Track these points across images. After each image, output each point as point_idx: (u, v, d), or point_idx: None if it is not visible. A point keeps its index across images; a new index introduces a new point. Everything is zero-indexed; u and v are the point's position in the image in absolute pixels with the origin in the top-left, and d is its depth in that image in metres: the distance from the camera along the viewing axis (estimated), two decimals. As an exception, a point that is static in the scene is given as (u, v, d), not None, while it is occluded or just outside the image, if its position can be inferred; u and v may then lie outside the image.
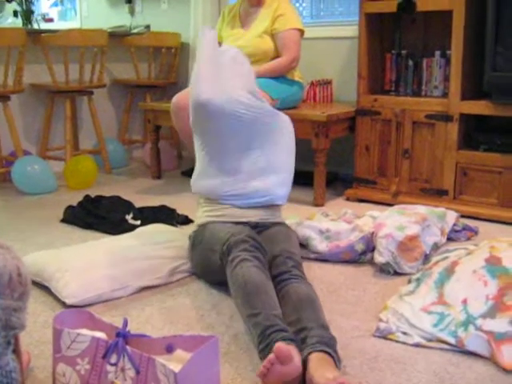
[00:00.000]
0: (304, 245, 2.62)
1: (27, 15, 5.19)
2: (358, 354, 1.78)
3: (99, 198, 3.34)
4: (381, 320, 1.98)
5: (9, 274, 0.86)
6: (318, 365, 1.54)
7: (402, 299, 2.06)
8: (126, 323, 1.30)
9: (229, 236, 2.07)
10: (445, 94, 3.42)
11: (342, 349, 1.81)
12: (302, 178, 3.90)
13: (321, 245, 2.61)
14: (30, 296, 0.92)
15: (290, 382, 1.54)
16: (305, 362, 1.57)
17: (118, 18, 5.30)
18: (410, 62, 3.59)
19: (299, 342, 1.67)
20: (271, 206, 2.42)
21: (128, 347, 1.23)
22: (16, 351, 0.90)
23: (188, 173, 4.21)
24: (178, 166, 4.63)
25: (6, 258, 0.86)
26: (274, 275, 2.02)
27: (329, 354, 1.60)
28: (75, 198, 3.40)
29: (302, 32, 3.56)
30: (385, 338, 1.89)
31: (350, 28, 4.03)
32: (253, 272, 1.90)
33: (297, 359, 1.53)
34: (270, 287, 1.88)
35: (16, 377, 0.86)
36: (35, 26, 5.20)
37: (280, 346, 1.50)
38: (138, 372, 1.20)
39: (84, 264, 2.33)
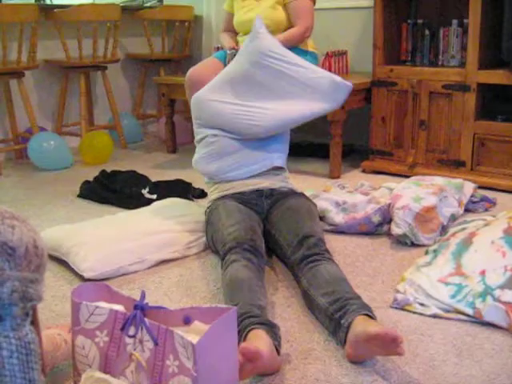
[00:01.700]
0: (320, 217, 2.61)
1: (39, -10, 5.17)
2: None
3: (115, 172, 3.35)
4: (398, 291, 1.98)
5: (25, 246, 0.87)
6: (367, 322, 1.58)
7: (419, 270, 2.06)
8: (143, 296, 1.31)
9: (231, 238, 2.07)
10: (462, 64, 3.37)
11: (359, 320, 1.81)
12: (318, 151, 3.89)
13: (337, 217, 2.60)
14: (46, 268, 0.92)
15: (266, 370, 1.53)
16: (349, 326, 1.60)
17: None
18: (427, 32, 3.54)
19: (336, 311, 1.69)
20: (276, 172, 2.45)
21: (146, 319, 1.24)
22: (34, 323, 0.91)
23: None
24: (192, 139, 4.62)
25: (22, 230, 0.87)
26: (306, 255, 2.01)
27: (371, 317, 1.63)
28: (91, 173, 3.41)
29: (314, 0, 3.51)
30: (402, 309, 1.88)
31: (364, -2, 3.98)
32: (240, 271, 1.89)
33: (265, 350, 1.48)
34: (256, 283, 1.85)
35: (35, 348, 0.87)
36: (47, 1, 5.17)
37: (243, 347, 1.43)
38: (156, 344, 1.21)
39: (101, 238, 2.34)
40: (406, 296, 1.92)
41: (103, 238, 2.34)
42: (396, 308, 1.89)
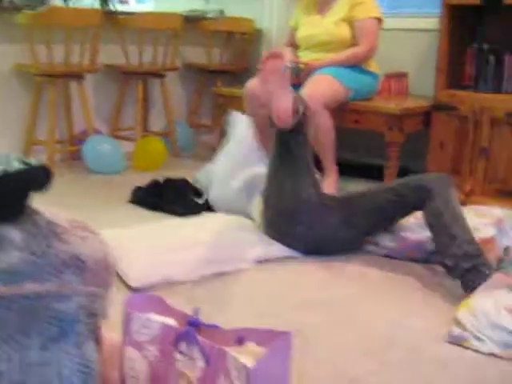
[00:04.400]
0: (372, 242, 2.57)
1: (104, -4, 5.24)
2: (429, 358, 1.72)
3: (168, 180, 3.34)
4: (457, 322, 1.87)
5: (95, 259, 0.85)
6: None
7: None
8: (197, 312, 1.28)
9: None
10: (527, 93, 3.28)
11: (413, 352, 1.76)
12: (371, 172, 3.82)
13: (389, 241, 2.54)
14: (113, 284, 0.90)
15: None
16: None
17: (192, 2, 5.29)
18: (492, 57, 3.45)
19: None
20: None
21: (199, 337, 1.21)
22: (97, 340, 0.88)
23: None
24: (245, 152, 4.60)
25: (92, 242, 0.85)
26: None
27: None
28: (143, 180, 3.41)
29: (380, 21, 3.47)
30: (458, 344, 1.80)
31: (427, 20, 3.91)
32: None
33: None
34: None
35: (96, 367, 0.85)
36: (111, 8, 5.23)
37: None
38: (208, 363, 1.18)
39: (150, 246, 2.33)
40: (462, 331, 1.83)
41: (152, 247, 2.33)
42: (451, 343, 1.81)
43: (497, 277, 2.05)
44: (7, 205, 0.73)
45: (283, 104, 2.29)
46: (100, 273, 0.86)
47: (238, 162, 2.96)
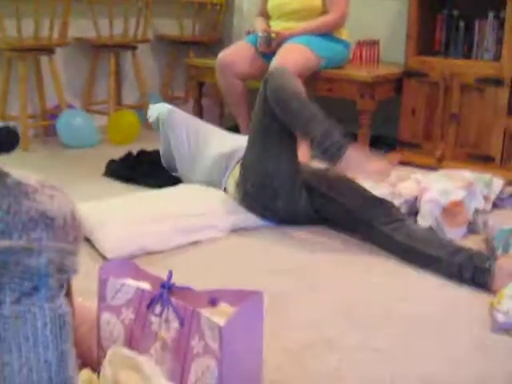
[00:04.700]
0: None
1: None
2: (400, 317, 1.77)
3: (142, 153, 3.34)
4: (501, 311, 1.74)
5: (63, 216, 0.86)
6: None
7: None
8: (170, 275, 1.30)
9: None
10: (496, 58, 3.31)
11: (385, 311, 1.80)
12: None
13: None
14: (82, 240, 0.92)
15: None
16: None
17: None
18: (461, 24, 3.48)
19: None
20: None
21: (173, 299, 1.24)
22: (68, 295, 0.91)
23: (230, 130, 4.18)
24: (220, 123, 4.60)
25: (61, 200, 0.86)
26: None
27: None
28: (117, 153, 3.41)
29: None
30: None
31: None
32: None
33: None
34: None
35: (68, 320, 0.87)
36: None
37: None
38: (182, 324, 1.21)
39: (125, 218, 2.34)
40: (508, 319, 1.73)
41: (127, 218, 2.34)
42: (498, 330, 1.72)
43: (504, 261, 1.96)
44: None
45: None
46: (68, 229, 0.87)
47: (199, 148, 2.93)
